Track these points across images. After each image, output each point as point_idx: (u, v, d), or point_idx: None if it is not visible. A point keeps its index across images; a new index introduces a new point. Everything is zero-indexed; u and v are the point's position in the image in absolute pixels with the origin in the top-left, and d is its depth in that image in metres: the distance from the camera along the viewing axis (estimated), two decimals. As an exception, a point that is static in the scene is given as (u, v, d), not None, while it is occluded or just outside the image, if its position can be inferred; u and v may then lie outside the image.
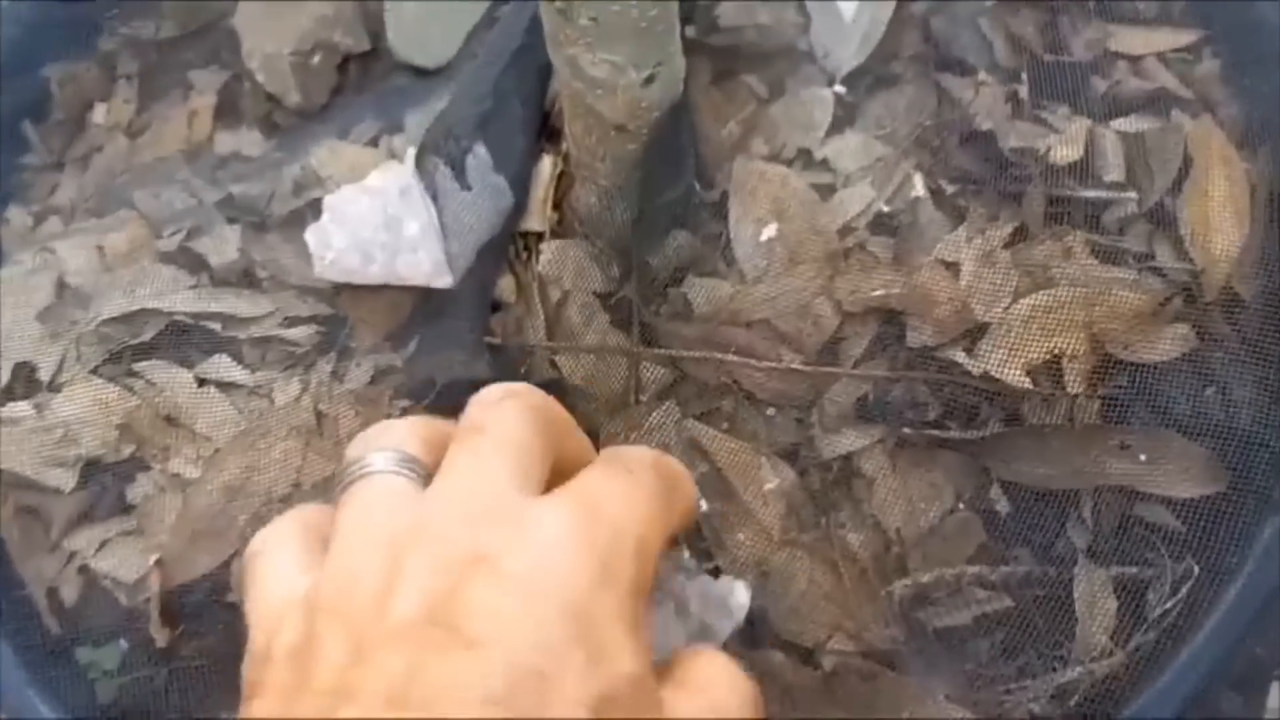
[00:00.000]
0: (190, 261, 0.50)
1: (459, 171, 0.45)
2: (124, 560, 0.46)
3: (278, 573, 0.28)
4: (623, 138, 0.45)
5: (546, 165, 0.49)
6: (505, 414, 0.30)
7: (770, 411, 0.45)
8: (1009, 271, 0.46)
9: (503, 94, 0.48)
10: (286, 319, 0.49)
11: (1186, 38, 0.50)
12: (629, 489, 0.27)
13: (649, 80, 0.42)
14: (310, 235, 0.49)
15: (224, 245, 0.51)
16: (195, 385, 0.48)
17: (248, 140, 0.56)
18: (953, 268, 0.46)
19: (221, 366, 0.48)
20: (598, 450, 0.28)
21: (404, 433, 0.31)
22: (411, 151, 0.50)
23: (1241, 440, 0.44)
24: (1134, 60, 0.50)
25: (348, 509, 0.27)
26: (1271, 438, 0.44)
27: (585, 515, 0.25)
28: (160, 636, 0.44)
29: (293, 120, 0.56)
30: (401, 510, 0.26)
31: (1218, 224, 0.46)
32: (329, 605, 0.24)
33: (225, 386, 0.48)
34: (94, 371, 0.47)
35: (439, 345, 0.48)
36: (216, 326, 0.49)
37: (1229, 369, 0.45)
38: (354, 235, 0.48)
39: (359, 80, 0.58)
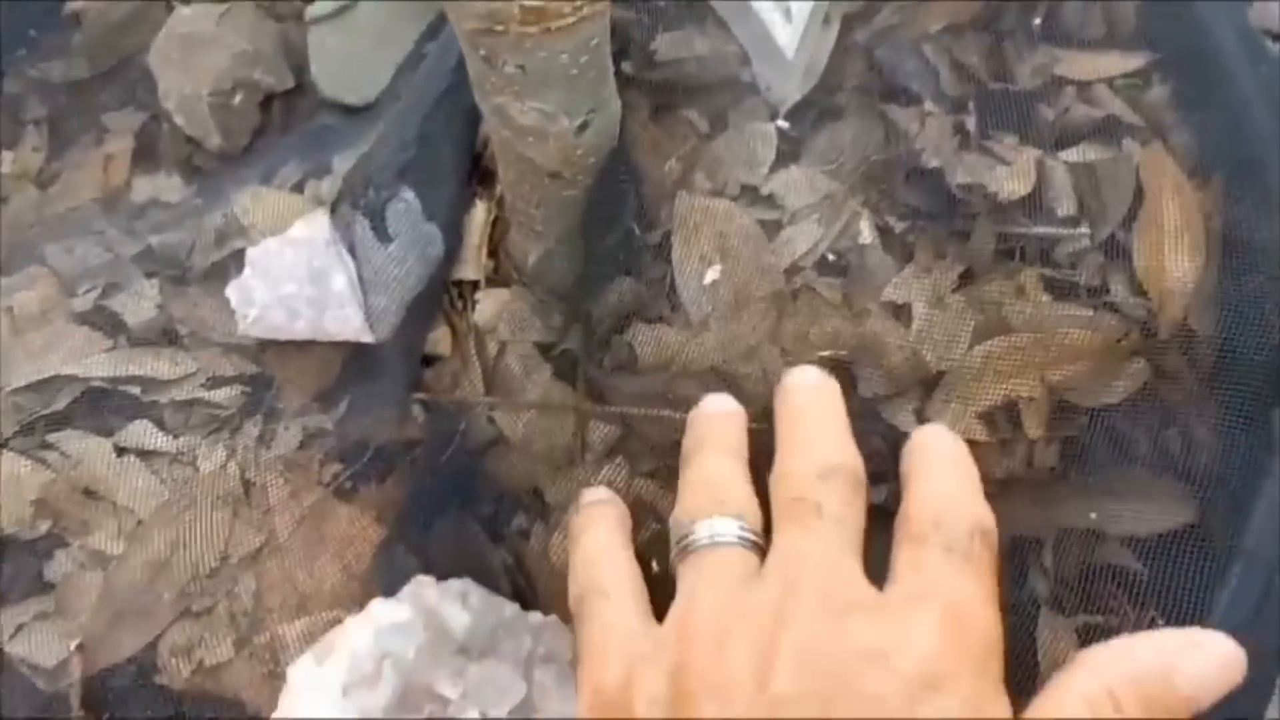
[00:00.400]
0: (106, 321, 0.48)
1: (379, 222, 0.42)
2: (42, 644, 0.43)
3: (618, 615, 0.33)
4: (558, 184, 0.43)
5: (480, 211, 0.47)
6: (836, 493, 0.34)
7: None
8: (963, 314, 0.45)
9: (430, 138, 0.45)
10: (210, 379, 0.47)
11: (1135, 62, 0.48)
12: (977, 583, 0.32)
13: (583, 127, 0.40)
14: (232, 291, 0.46)
15: (142, 302, 0.48)
16: (114, 455, 0.45)
17: (167, 186, 0.53)
18: (903, 311, 0.45)
19: (142, 433, 0.46)
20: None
21: (745, 500, 0.37)
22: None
23: (1202, 479, 0.43)
24: (1082, 86, 0.49)
25: (702, 579, 0.31)
26: (1232, 476, 0.43)
27: (954, 622, 0.29)
28: (82, 726, 0.42)
29: (214, 163, 0.54)
30: (758, 590, 0.30)
31: (1172, 256, 0.45)
32: (701, 675, 0.28)
33: (147, 455, 0.45)
34: (4, 445, 0.45)
35: (371, 405, 0.45)
36: (136, 390, 0.46)
37: (1188, 406, 0.44)
38: (278, 290, 0.46)
39: (284, 119, 0.55)
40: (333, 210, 0.43)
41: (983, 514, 0.36)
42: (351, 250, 0.42)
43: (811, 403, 0.40)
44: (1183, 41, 0.48)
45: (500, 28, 0.36)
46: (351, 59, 0.54)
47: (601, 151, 0.42)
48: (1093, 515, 0.42)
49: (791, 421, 0.39)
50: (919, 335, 0.44)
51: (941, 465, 0.38)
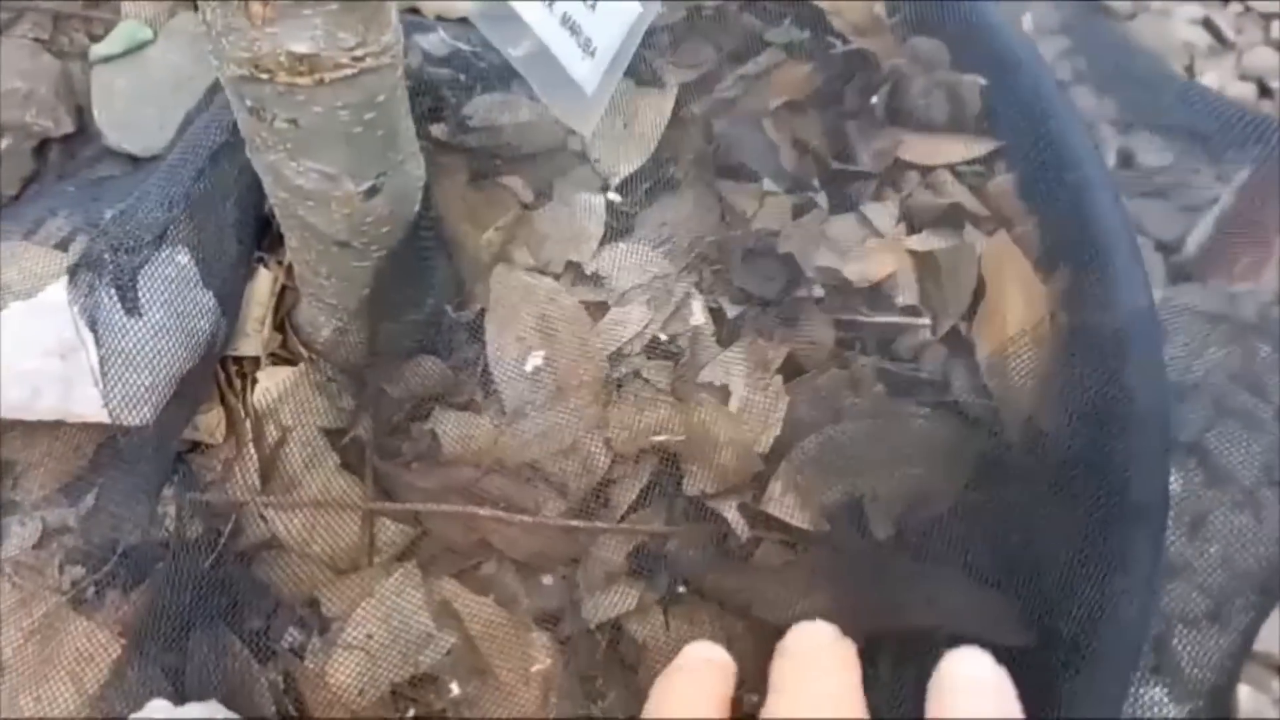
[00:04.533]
0: None
1: (130, 290, 0.37)
2: None
3: None
4: (347, 254, 0.38)
5: (265, 279, 0.42)
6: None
7: (543, 574, 0.39)
8: (778, 399, 0.41)
9: (208, 197, 0.40)
10: (-59, 466, 0.40)
11: (980, 149, 0.46)
12: None
13: (371, 192, 0.36)
14: (-29, 363, 0.40)
15: None
16: None
17: (-88, 237, 0.46)
18: (723, 393, 0.41)
19: None
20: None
21: None
22: (103, 261, 0.42)
23: (1051, 587, 0.40)
24: (925, 171, 0.46)
25: None
26: (1081, 584, 0.40)
27: None
28: None
29: (-23, 214, 0.47)
30: None
31: (1015, 351, 0.43)
32: None
33: None
34: None
35: (123, 498, 0.39)
36: None
37: (1033, 510, 0.41)
38: (20, 364, 0.39)
39: (61, 167, 0.49)
40: (71, 278, 0.37)
41: None
42: (92, 323, 0.36)
43: (819, 658, 0.35)
44: (1028, 128, 0.46)
45: (264, 76, 0.31)
46: (141, 105, 0.49)
47: (397, 219, 0.38)
48: (946, 607, 0.39)
49: (793, 672, 0.35)
50: (739, 414, 0.41)
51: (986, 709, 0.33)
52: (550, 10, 0.33)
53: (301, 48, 0.30)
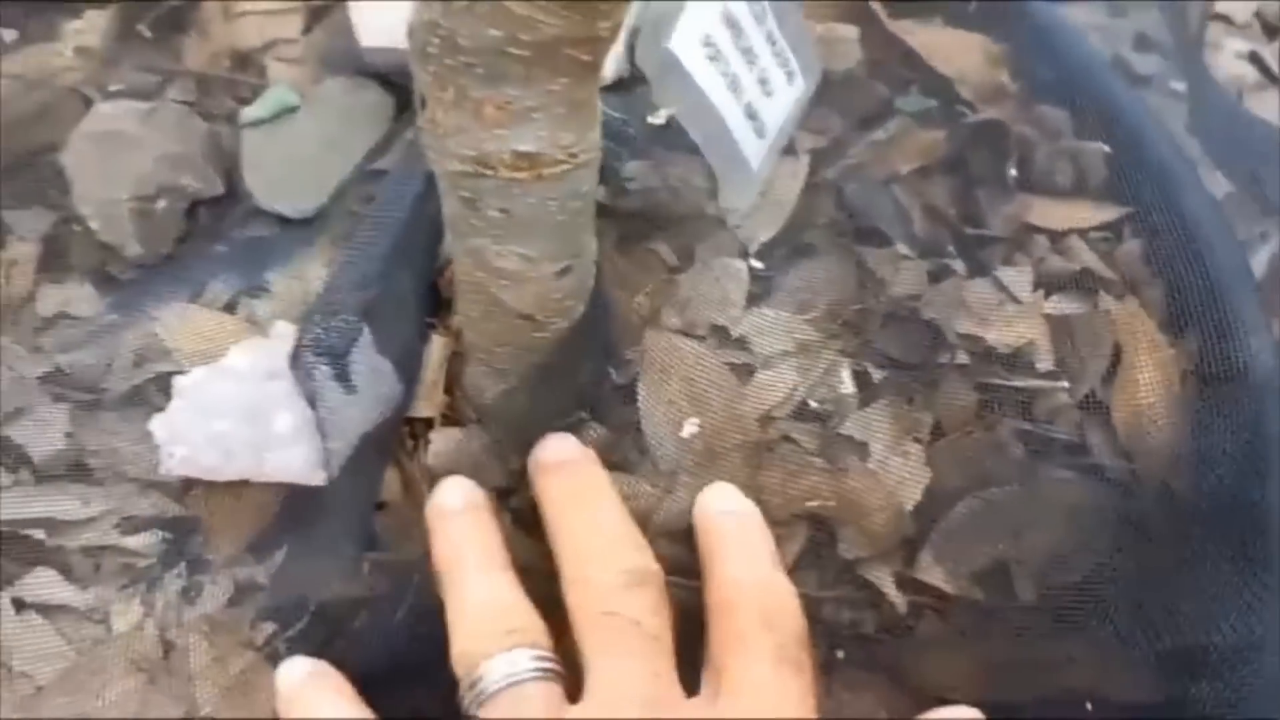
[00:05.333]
0: (8, 454, 0.43)
1: (341, 368, 0.39)
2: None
3: None
4: (529, 325, 0.40)
5: (437, 345, 0.44)
6: (648, 604, 0.34)
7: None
8: (920, 462, 0.43)
9: (390, 271, 0.42)
10: (125, 521, 0.42)
11: (1107, 215, 0.48)
12: (808, 697, 0.30)
13: (564, 272, 0.38)
14: (156, 426, 0.41)
15: (48, 431, 0.43)
16: (13, 611, 0.40)
17: (78, 297, 0.48)
18: (864, 451, 0.43)
19: (46, 584, 0.40)
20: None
21: (533, 621, 0.35)
22: (281, 327, 0.44)
23: (1193, 646, 0.41)
24: (1055, 236, 0.48)
25: None
26: (1224, 643, 0.42)
27: None
28: None
29: (132, 273, 0.49)
30: None
31: (1149, 415, 0.45)
32: None
33: (50, 610, 0.40)
34: (-119, 601, 0.39)
35: (312, 555, 0.41)
36: (40, 534, 0.41)
37: (1174, 570, 0.43)
38: (210, 427, 0.41)
39: (211, 227, 0.51)
40: (293, 361, 0.39)
41: (801, 616, 0.36)
42: (312, 400, 0.38)
43: (581, 493, 0.39)
44: (1153, 196, 0.48)
45: (488, 172, 0.33)
46: (290, 168, 0.51)
47: (578, 294, 0.40)
48: (1087, 669, 0.40)
49: (562, 516, 0.38)
50: (896, 486, 0.42)
51: (750, 539, 0.38)
52: (738, 101, 0.35)
53: (526, 147, 0.32)
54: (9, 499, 0.41)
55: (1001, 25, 0.52)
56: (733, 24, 0.33)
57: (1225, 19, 0.85)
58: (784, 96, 0.37)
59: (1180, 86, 0.58)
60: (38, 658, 0.40)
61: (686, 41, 0.31)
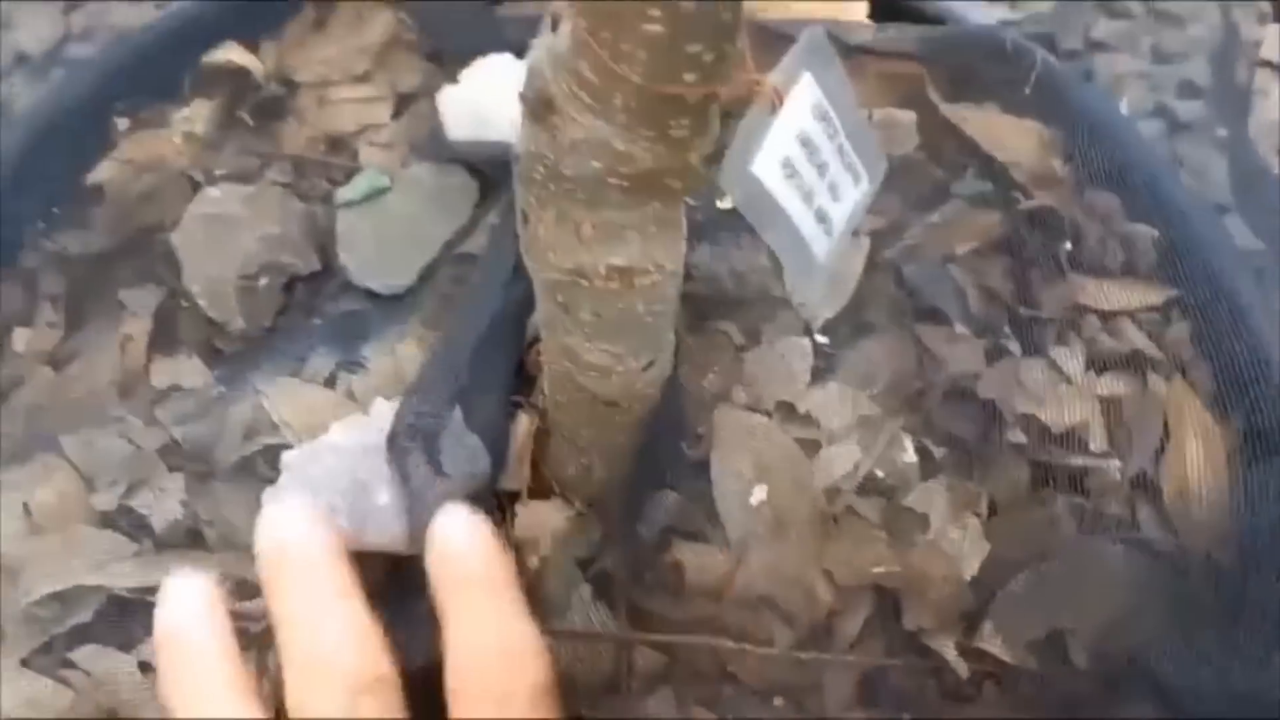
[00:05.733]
0: (131, 523, 0.46)
1: (433, 451, 0.42)
2: None
3: None
4: (612, 411, 0.43)
5: (523, 423, 0.47)
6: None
7: (776, 698, 0.43)
8: (979, 536, 0.46)
9: (480, 356, 0.45)
10: (237, 586, 0.45)
11: (1155, 296, 0.51)
12: None
13: (649, 365, 0.41)
14: (269, 499, 0.45)
15: (167, 501, 0.47)
16: (139, 673, 0.43)
17: (187, 370, 0.52)
18: (924, 522, 0.45)
19: (165, 648, 0.44)
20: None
21: None
22: (379, 404, 0.47)
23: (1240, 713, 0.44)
24: (1105, 317, 0.50)
25: None
26: (1261, 711, 0.44)
27: None
28: None
29: (235, 346, 0.53)
30: None
31: (1197, 491, 0.47)
32: None
33: (171, 673, 0.43)
34: (24, 663, 0.43)
35: (412, 621, 0.44)
36: (160, 599, 0.45)
37: (1219, 643, 0.45)
38: (317, 500, 0.44)
39: (307, 302, 0.55)
40: (390, 446, 0.42)
41: (539, 666, 0.34)
42: (406, 479, 0.42)
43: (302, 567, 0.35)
44: (1200, 279, 0.50)
45: (584, 282, 0.36)
46: (381, 246, 0.54)
47: (659, 383, 0.43)
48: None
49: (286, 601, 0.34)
50: (957, 561, 0.45)
51: (478, 592, 0.35)
52: (809, 209, 0.38)
53: (619, 261, 0.35)
54: (135, 567, 0.45)
55: (1054, 112, 0.54)
56: (808, 144, 0.36)
57: (1273, 65, 0.87)
58: (851, 198, 0.40)
59: (1224, 133, 0.60)
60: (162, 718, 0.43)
61: (768, 164, 0.34)
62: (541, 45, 0.31)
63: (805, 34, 0.34)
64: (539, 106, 0.32)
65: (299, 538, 0.35)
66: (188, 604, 0.35)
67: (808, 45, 0.34)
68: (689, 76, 0.29)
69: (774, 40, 0.52)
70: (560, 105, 0.31)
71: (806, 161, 0.37)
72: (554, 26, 0.31)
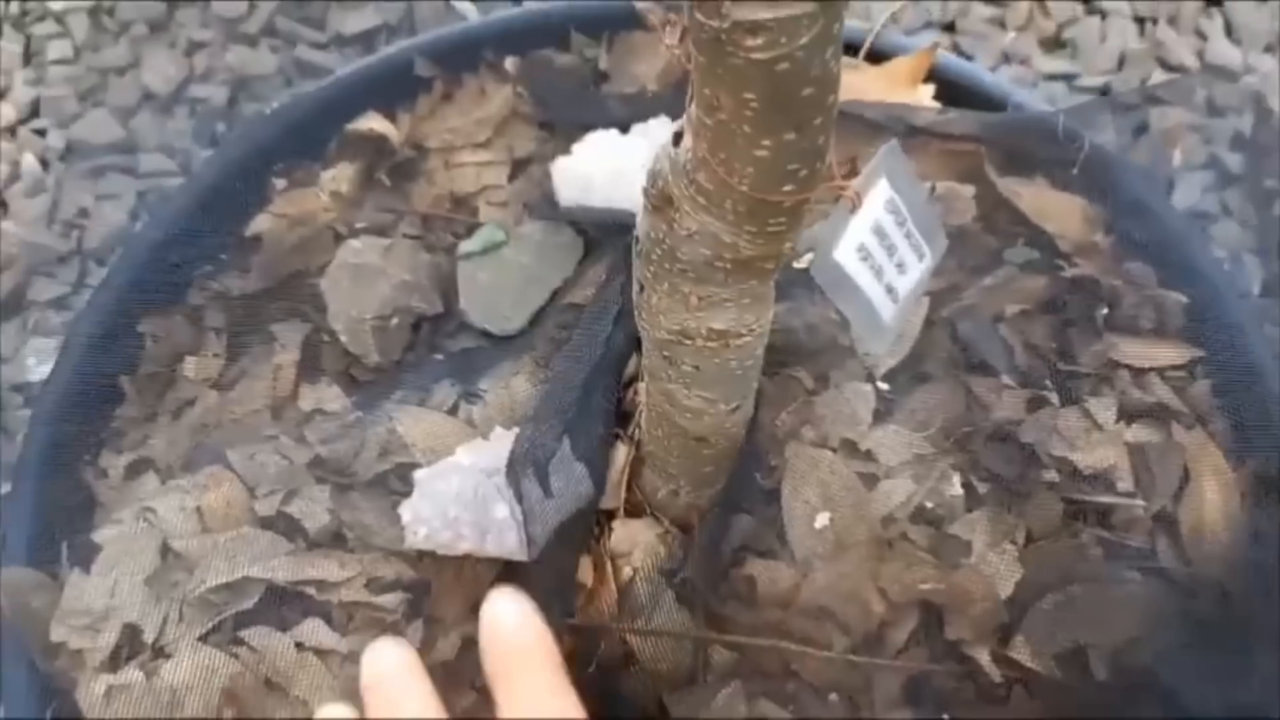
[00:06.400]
0: (287, 526, 0.54)
1: (544, 475, 0.50)
2: (219, 822, 0.49)
3: None
4: (701, 446, 0.50)
5: (621, 452, 0.55)
6: None
7: (831, 695, 0.50)
8: (1013, 563, 0.52)
9: (586, 394, 0.53)
10: (372, 582, 0.54)
11: (1182, 357, 0.57)
12: None
13: (735, 410, 0.48)
14: (404, 510, 0.53)
15: (315, 508, 0.55)
16: (295, 650, 0.51)
17: (328, 396, 0.60)
18: (967, 548, 0.52)
19: (317, 632, 0.52)
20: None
21: None
22: (498, 431, 0.55)
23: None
24: (1136, 373, 0.57)
25: None
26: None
27: None
28: None
29: (369, 376, 0.61)
30: None
31: (1212, 529, 0.53)
32: None
33: (322, 653, 0.52)
34: (201, 639, 0.51)
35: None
36: (311, 591, 0.53)
37: (1226, 663, 0.51)
38: (445, 513, 0.52)
39: (430, 339, 0.63)
40: (508, 471, 0.50)
41: None
42: (519, 499, 0.49)
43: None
44: (1222, 342, 0.57)
45: (688, 342, 0.44)
46: (497, 294, 0.62)
47: (743, 424, 0.50)
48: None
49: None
50: (993, 582, 0.52)
51: (527, 668, 0.42)
52: (880, 283, 0.45)
53: (719, 326, 0.43)
54: (291, 563, 0.53)
55: (1099, 190, 0.61)
56: (880, 232, 0.43)
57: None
58: (915, 272, 0.47)
59: (1273, 184, 0.67)
60: (311, 689, 0.51)
61: (847, 252, 0.42)
62: (664, 154, 0.39)
63: (885, 148, 0.41)
64: (660, 201, 0.39)
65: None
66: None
67: (886, 154, 0.41)
68: (788, 187, 0.36)
69: (854, 124, 0.60)
70: (678, 202, 0.38)
71: (879, 246, 0.44)
72: (676, 141, 0.38)
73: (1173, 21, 1.10)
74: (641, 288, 0.44)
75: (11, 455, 0.69)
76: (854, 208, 0.40)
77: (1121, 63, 1.06)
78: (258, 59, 1.04)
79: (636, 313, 0.45)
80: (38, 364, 0.87)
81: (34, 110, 1.01)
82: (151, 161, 0.97)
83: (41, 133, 1.00)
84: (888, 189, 0.42)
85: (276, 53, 1.05)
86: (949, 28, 1.10)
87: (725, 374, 0.45)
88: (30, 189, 0.96)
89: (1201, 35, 1.09)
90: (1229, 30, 1.09)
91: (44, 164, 0.98)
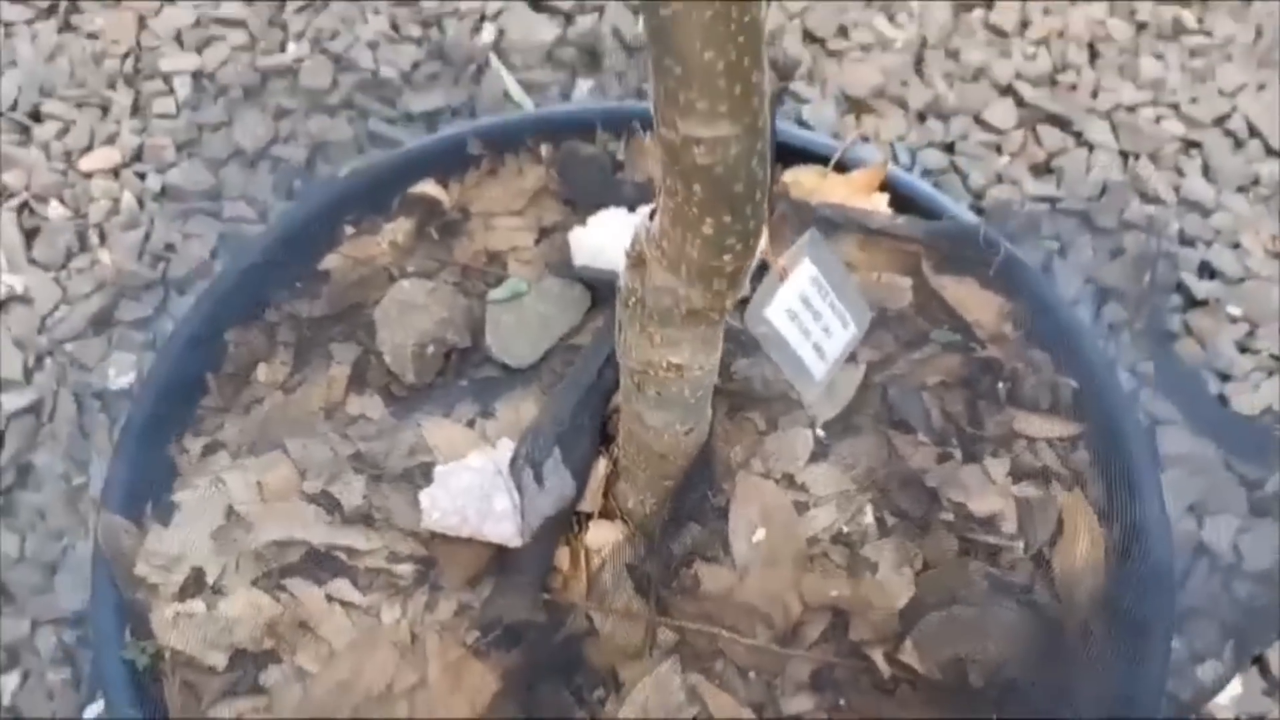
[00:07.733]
0: (328, 503, 0.67)
1: (539, 473, 0.63)
2: (252, 734, 0.61)
3: None
4: (664, 461, 0.63)
5: (602, 465, 0.67)
6: None
7: (751, 675, 0.62)
8: (910, 583, 0.64)
9: (577, 414, 0.66)
10: (391, 555, 0.66)
11: (1068, 430, 0.69)
12: None
13: (689, 431, 0.61)
14: (424, 497, 0.66)
15: (352, 491, 0.68)
16: (325, 601, 0.64)
17: (370, 405, 0.73)
18: (882, 578, 0.64)
19: (343, 589, 0.64)
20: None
21: None
22: (504, 441, 0.68)
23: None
24: (1029, 441, 0.69)
25: None
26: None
27: None
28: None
29: (405, 393, 0.74)
30: None
31: (1079, 573, 0.65)
32: None
33: (346, 605, 0.64)
34: (252, 583, 0.64)
35: (508, 593, 0.64)
36: (343, 556, 0.66)
37: (1079, 679, 0.62)
38: (455, 502, 0.65)
39: (458, 367, 0.76)
40: (511, 466, 0.63)
41: None
42: (519, 489, 0.62)
43: None
44: (1101, 422, 0.69)
45: (652, 372, 0.57)
46: (517, 334, 0.76)
47: (696, 445, 0.63)
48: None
49: None
50: (885, 592, 0.64)
51: None
52: (808, 341, 0.58)
53: (677, 360, 0.56)
54: (328, 531, 0.66)
55: (1014, 290, 0.74)
56: (805, 300, 0.56)
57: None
58: (840, 338, 0.60)
59: (1237, 311, 0.80)
60: (335, 632, 0.63)
61: (777, 312, 0.55)
62: (642, 225, 0.52)
63: (808, 234, 0.55)
64: (636, 260, 0.53)
65: None
66: None
67: (810, 239, 0.55)
68: (727, 256, 0.49)
69: (812, 217, 0.73)
70: (649, 262, 0.52)
71: (805, 311, 0.57)
72: (651, 216, 0.51)
73: (1154, 158, 1.19)
74: (620, 327, 0.57)
75: (86, 454, 0.83)
76: (781, 278, 0.53)
77: (1103, 192, 1.16)
78: (335, 127, 1.18)
79: (617, 349, 0.58)
80: (117, 375, 0.98)
81: (137, 155, 1.14)
82: (234, 208, 1.10)
83: (142, 176, 1.13)
84: (811, 268, 0.55)
85: (352, 124, 1.18)
86: (949, 148, 1.20)
87: (681, 400, 0.58)
88: (127, 223, 1.09)
89: (1180, 172, 1.19)
90: (1205, 170, 1.18)
91: (140, 203, 1.11)
